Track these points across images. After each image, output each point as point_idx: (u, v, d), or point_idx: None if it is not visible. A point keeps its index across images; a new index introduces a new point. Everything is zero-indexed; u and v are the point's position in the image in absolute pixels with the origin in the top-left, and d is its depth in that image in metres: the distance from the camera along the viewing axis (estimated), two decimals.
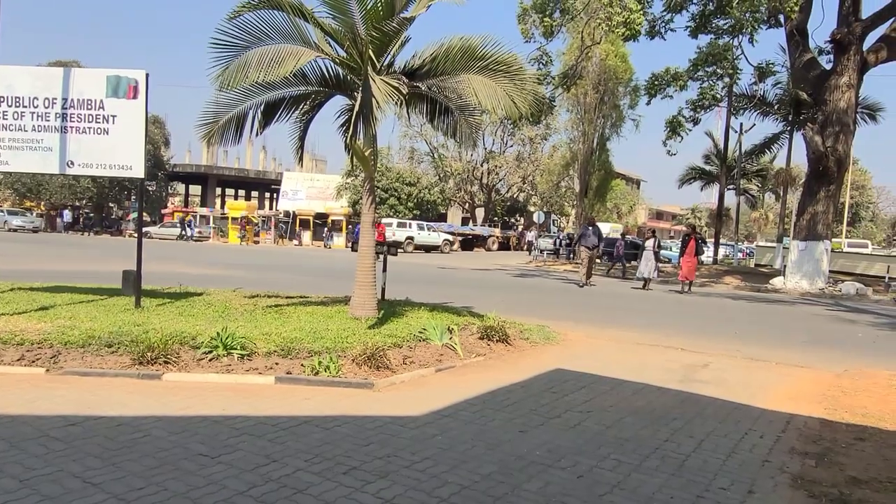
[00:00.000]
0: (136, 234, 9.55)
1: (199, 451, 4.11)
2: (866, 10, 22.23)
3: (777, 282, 23.19)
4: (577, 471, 4.11)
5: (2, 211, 44.23)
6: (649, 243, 18.94)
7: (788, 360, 8.57)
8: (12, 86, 8.05)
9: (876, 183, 73.74)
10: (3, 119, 8.00)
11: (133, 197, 49.63)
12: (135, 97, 8.16)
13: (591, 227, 17.71)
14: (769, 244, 41.01)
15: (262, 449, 4.20)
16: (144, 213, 48.72)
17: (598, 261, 18.75)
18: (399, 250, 37.33)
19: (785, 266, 24.40)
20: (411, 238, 39.41)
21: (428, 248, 40.12)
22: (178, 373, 5.96)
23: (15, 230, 40.96)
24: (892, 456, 4.70)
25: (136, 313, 8.03)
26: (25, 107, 8.14)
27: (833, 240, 27.20)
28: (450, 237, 42.68)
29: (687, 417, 5.49)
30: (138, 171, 8.44)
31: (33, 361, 6.01)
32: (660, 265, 19.67)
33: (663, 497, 3.77)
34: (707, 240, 21.32)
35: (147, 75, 8.25)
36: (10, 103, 8.08)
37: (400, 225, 39.93)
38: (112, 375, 5.83)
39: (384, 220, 41.83)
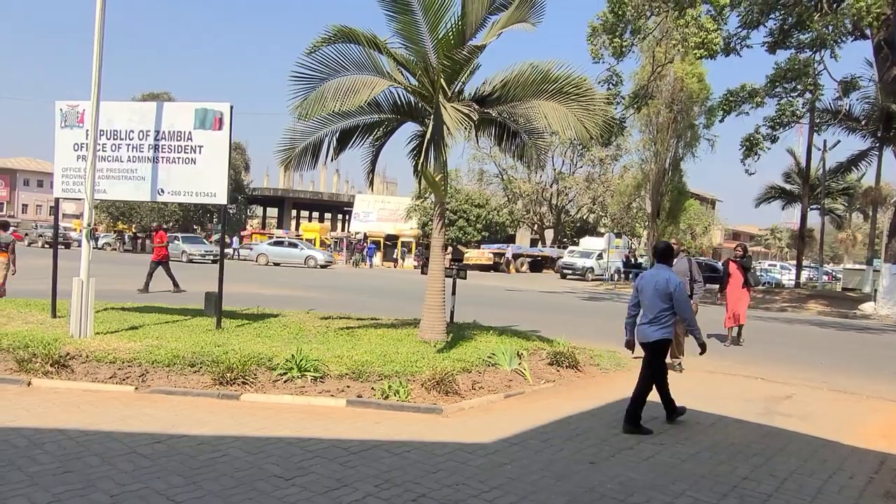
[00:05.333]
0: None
1: (274, 472, 4.26)
2: None
3: (867, 307, 21.84)
4: None
5: (177, 239, 35.50)
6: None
7: (881, 394, 8.05)
8: (112, 120, 8.65)
9: None
10: (103, 151, 8.60)
11: (216, 219, 52.02)
12: (220, 128, 8.60)
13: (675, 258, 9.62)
14: (858, 267, 38.71)
15: (334, 472, 4.30)
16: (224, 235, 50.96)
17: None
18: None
19: (875, 291, 22.96)
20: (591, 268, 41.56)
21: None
22: (255, 393, 6.19)
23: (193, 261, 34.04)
24: None
25: (217, 334, 8.39)
26: (122, 139, 8.73)
27: None
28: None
29: (768, 453, 5.24)
30: (221, 198, 8.87)
31: (124, 380, 6.39)
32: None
33: None
34: (751, 266, 12.61)
35: (231, 107, 8.70)
36: (108, 136, 8.68)
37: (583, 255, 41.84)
38: (194, 395, 6.12)
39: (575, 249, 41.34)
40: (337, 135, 9.27)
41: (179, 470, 4.20)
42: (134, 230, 50.10)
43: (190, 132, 8.55)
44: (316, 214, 76.03)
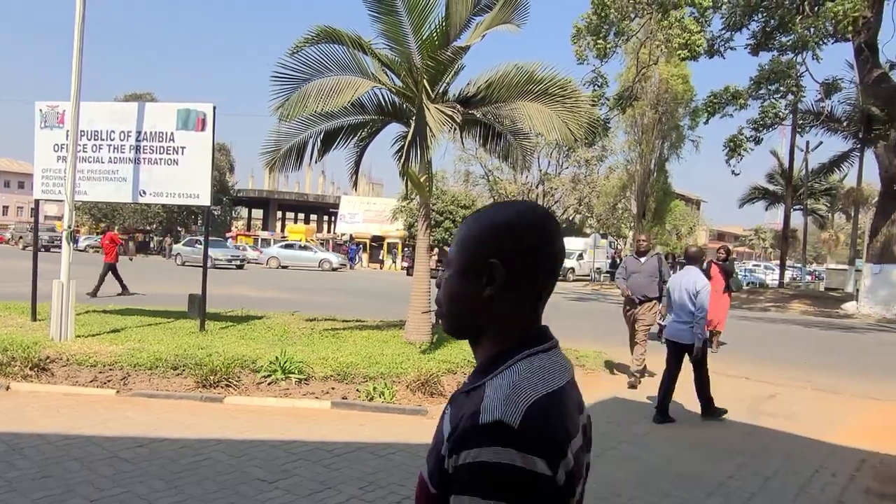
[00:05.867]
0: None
1: (256, 475, 4.21)
2: None
3: (849, 307, 22.10)
4: None
5: (199, 243, 32.35)
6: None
7: (863, 393, 8.13)
8: (92, 121, 8.55)
9: None
10: (83, 152, 8.50)
11: (199, 221, 51.59)
12: (203, 129, 8.53)
13: (641, 258, 8.27)
14: (841, 267, 39.19)
15: (318, 475, 4.26)
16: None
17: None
18: None
19: (858, 290, 23.25)
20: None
21: None
22: (238, 396, 6.14)
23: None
24: None
25: (201, 336, 8.31)
26: (103, 140, 8.64)
27: None
28: None
29: (751, 452, 5.28)
30: (205, 199, 8.79)
31: (105, 383, 6.31)
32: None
33: None
34: (734, 269, 11.98)
35: (214, 108, 8.63)
36: (89, 137, 8.58)
37: None
38: (177, 398, 6.05)
39: None
40: (321, 136, 9.23)
41: (161, 474, 4.15)
42: (117, 232, 49.56)
43: (172, 133, 8.48)
44: (301, 216, 75.67)
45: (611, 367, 8.79)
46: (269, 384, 6.37)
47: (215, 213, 52.40)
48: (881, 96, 21.85)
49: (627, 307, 8.28)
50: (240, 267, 32.12)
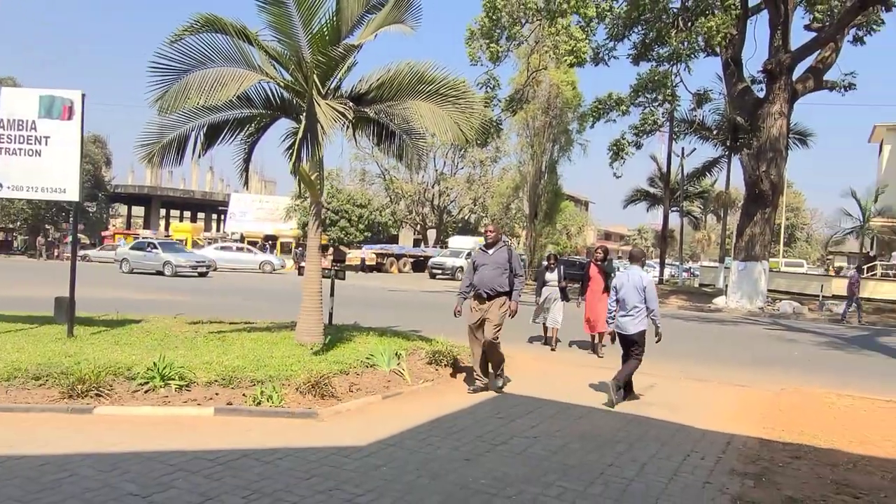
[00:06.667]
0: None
1: (129, 490, 3.92)
2: (795, 43, 23.45)
3: (719, 301, 23.93)
4: (522, 500, 4.08)
5: (154, 247, 28.53)
6: (552, 276, 11.01)
7: (730, 380, 8.80)
8: None
9: (809, 205, 77.29)
10: None
11: (72, 218, 47.81)
12: (70, 118, 7.88)
13: (489, 249, 7.49)
14: (712, 264, 42.35)
15: (198, 486, 4.03)
16: (84, 236, 46.65)
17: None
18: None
19: (726, 286, 25.21)
20: None
21: None
22: (110, 406, 5.71)
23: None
24: (825, 474, 4.85)
25: (69, 343, 7.67)
26: None
27: (771, 260, 28.28)
28: None
29: (631, 440, 5.55)
30: (73, 195, 8.13)
31: None
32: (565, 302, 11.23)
33: None
34: (613, 270, 10.63)
35: (83, 96, 8.00)
36: None
37: None
38: (39, 410, 5.54)
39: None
40: (205, 129, 8.78)
41: (17, 495, 3.77)
42: None
43: (34, 121, 7.77)
44: (188, 214, 72.10)
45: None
46: (146, 392, 5.97)
47: (89, 210, 48.81)
48: (745, 108, 23.84)
49: (476, 304, 7.41)
50: (203, 274, 27.65)
